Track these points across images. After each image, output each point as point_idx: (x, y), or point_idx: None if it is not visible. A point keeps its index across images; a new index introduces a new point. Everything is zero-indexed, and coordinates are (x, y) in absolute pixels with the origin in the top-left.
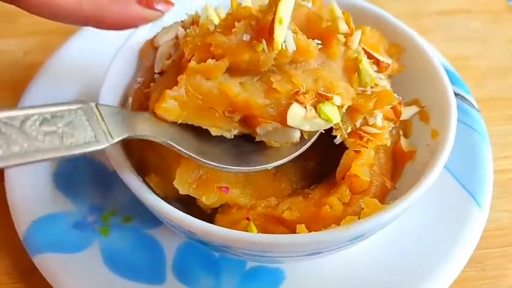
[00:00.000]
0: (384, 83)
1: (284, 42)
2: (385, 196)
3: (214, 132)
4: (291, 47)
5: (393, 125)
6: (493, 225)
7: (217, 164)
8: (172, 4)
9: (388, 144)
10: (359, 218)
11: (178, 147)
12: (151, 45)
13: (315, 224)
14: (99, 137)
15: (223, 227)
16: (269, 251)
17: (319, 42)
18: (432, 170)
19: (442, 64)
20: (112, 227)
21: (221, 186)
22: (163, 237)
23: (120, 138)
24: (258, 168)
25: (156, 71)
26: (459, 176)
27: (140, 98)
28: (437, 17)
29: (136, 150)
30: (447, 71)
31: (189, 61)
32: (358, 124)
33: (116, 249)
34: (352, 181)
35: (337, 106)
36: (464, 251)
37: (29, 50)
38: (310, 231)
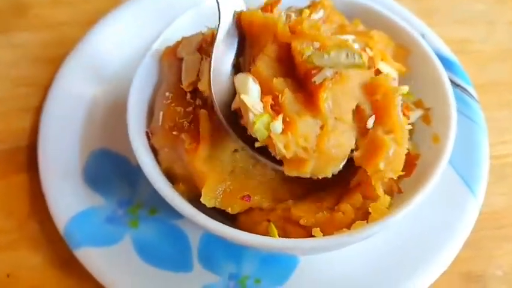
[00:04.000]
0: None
1: None
2: (392, 197)
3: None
4: None
5: None
6: (488, 209)
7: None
8: None
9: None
10: (367, 222)
11: None
12: (173, 54)
13: (329, 227)
14: None
15: (246, 226)
16: (286, 252)
17: None
18: (431, 178)
19: (445, 53)
20: (140, 219)
21: (243, 196)
22: (187, 227)
23: None
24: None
25: (185, 88)
26: (457, 166)
27: (172, 116)
28: None
29: (164, 161)
30: (450, 61)
31: None
32: None
33: (146, 240)
34: (367, 190)
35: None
36: (459, 237)
37: (46, 44)
38: (324, 233)
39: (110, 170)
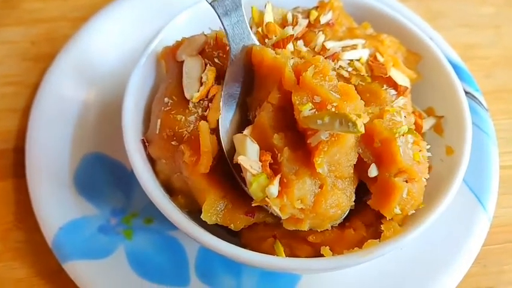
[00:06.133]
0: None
1: None
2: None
3: None
4: None
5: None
6: (496, 222)
7: None
8: None
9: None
10: (379, 240)
11: None
12: (172, 56)
13: (339, 245)
14: None
15: (250, 242)
16: (292, 272)
17: None
18: (446, 195)
19: (453, 58)
20: (135, 230)
21: (247, 211)
22: (184, 239)
23: None
24: None
25: (188, 98)
26: (466, 177)
27: (172, 124)
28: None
29: (162, 172)
30: (457, 67)
31: None
32: None
33: (141, 252)
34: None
35: None
36: (470, 253)
37: (36, 40)
38: (334, 252)
39: (102, 175)
